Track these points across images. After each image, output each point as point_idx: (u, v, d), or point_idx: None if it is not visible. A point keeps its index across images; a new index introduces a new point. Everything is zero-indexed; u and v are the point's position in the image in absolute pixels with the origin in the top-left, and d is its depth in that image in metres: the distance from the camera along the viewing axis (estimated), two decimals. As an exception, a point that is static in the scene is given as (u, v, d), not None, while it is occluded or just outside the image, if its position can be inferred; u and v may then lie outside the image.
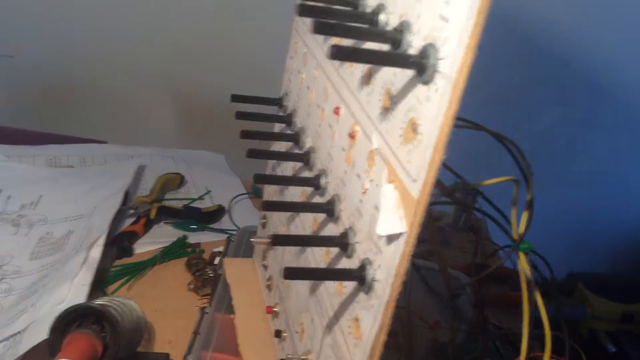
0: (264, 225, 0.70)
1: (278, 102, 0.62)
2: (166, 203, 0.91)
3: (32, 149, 0.99)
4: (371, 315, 0.39)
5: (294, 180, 0.48)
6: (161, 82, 1.34)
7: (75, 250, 0.73)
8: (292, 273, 0.37)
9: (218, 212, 0.91)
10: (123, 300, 0.63)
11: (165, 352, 0.66)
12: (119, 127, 1.35)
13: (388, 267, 0.37)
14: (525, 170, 0.42)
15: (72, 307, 0.50)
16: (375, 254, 0.38)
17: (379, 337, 0.38)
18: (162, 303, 0.74)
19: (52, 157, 0.98)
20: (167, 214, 0.88)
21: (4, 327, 0.62)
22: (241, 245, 0.77)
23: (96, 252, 0.71)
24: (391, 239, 0.36)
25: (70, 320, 0.50)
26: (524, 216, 0.41)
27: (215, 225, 0.90)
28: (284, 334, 0.57)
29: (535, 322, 0.47)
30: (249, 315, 0.65)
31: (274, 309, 0.61)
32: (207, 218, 0.89)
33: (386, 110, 0.38)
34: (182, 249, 0.83)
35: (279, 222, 0.63)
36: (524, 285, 0.40)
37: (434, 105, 0.32)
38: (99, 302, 0.57)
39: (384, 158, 0.38)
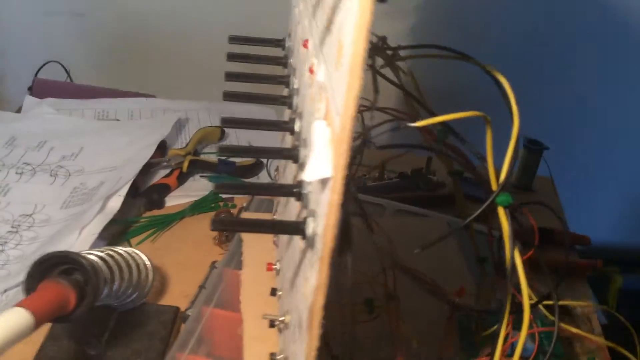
0: (277, 178, 0.66)
1: (280, 43, 0.56)
2: (203, 157, 0.89)
3: (82, 103, 1.01)
4: (314, 274, 0.34)
5: (265, 124, 0.43)
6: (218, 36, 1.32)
7: (100, 200, 0.73)
8: (218, 224, 0.33)
9: (255, 167, 0.88)
10: (130, 252, 0.62)
11: (175, 306, 0.64)
12: (171, 84, 1.35)
13: (322, 218, 0.31)
14: (511, 104, 0.34)
15: (47, 254, 0.49)
16: (317, 204, 0.33)
17: (316, 301, 0.33)
18: (185, 256, 0.72)
19: (101, 110, 0.99)
20: (202, 167, 0.86)
21: (18, 273, 0.62)
22: (264, 200, 0.74)
23: (115, 202, 0.70)
24: (323, 185, 0.31)
25: (47, 268, 0.49)
26: (507, 161, 0.34)
27: (253, 180, 0.87)
28: (279, 293, 0.54)
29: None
30: (256, 271, 0.61)
31: (274, 266, 0.57)
32: (243, 172, 0.86)
33: (327, 31, 0.32)
34: (214, 202, 0.81)
35: (290, 177, 0.59)
36: (508, 245, 0.34)
37: (352, 15, 0.26)
38: (93, 252, 0.55)
39: (324, 89, 0.32)
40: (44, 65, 1.36)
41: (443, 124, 0.43)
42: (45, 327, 0.60)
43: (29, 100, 1.00)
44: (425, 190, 0.90)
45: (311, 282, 0.34)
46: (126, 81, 1.28)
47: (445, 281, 0.60)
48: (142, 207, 0.78)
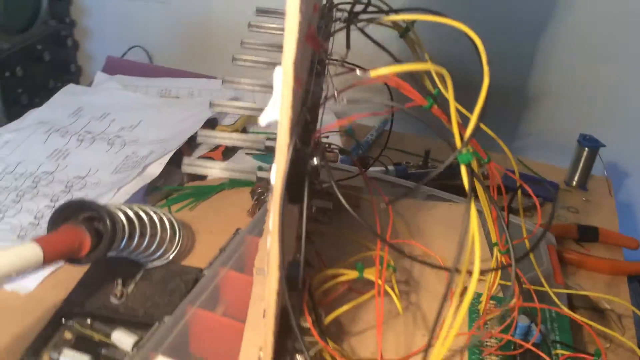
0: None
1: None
2: (251, 135, 0.92)
3: (148, 81, 1.07)
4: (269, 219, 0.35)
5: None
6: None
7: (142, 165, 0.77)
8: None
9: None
10: (160, 214, 0.65)
11: (199, 267, 0.67)
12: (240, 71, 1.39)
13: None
14: (483, 62, 0.34)
15: (70, 200, 0.53)
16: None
17: (272, 244, 0.34)
18: (218, 226, 0.75)
19: (163, 88, 1.05)
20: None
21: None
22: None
23: (154, 169, 0.75)
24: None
25: (71, 213, 0.53)
26: (473, 119, 0.33)
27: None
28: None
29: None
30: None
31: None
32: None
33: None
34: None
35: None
36: (472, 211, 0.33)
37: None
38: (119, 206, 0.59)
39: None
40: (129, 49, 1.45)
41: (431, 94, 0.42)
42: (75, 273, 0.65)
43: (100, 76, 1.07)
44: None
45: (268, 227, 0.36)
46: (200, 66, 1.34)
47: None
48: (185, 177, 0.82)
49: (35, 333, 0.57)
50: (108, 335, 0.58)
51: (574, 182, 0.91)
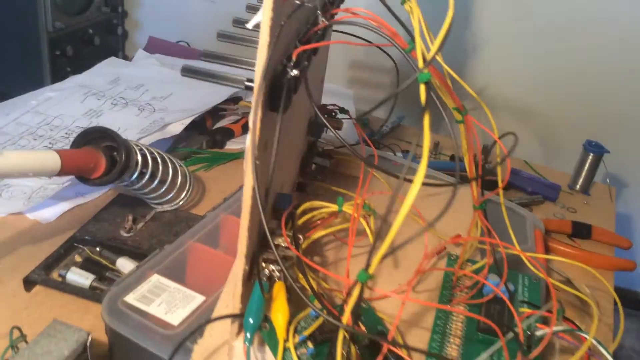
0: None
1: None
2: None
3: (184, 61, 1.14)
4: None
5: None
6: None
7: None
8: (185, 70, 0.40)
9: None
10: (176, 162, 0.71)
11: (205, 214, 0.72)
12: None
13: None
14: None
15: (92, 127, 0.59)
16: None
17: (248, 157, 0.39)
18: (230, 187, 0.80)
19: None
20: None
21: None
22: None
23: (174, 127, 0.81)
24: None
25: (92, 139, 0.59)
26: (438, 39, 0.38)
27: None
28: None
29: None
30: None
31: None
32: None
33: None
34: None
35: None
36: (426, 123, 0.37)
37: None
38: (138, 144, 0.65)
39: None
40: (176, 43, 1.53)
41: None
42: (91, 210, 0.71)
43: (140, 53, 1.15)
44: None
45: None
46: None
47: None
48: (205, 143, 0.88)
49: (51, 255, 0.63)
50: (114, 262, 0.63)
51: (578, 186, 0.93)
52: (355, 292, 0.38)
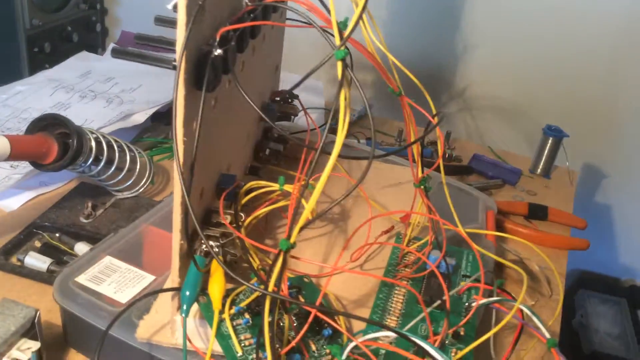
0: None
1: None
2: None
3: (155, 54, 1.15)
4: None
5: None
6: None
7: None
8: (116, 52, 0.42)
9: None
10: (135, 150, 0.73)
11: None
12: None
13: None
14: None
15: (46, 113, 0.61)
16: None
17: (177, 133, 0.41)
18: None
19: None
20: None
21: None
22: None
23: (139, 117, 0.82)
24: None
25: (46, 126, 0.60)
26: (353, 19, 0.39)
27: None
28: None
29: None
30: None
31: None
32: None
33: None
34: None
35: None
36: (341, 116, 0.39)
37: None
38: (93, 131, 0.67)
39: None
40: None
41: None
42: (54, 198, 0.72)
43: (113, 47, 1.16)
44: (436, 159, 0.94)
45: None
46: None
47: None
48: (170, 133, 0.90)
49: (12, 240, 0.65)
50: (72, 247, 0.65)
51: (538, 170, 0.95)
52: (279, 261, 0.39)
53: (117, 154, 0.69)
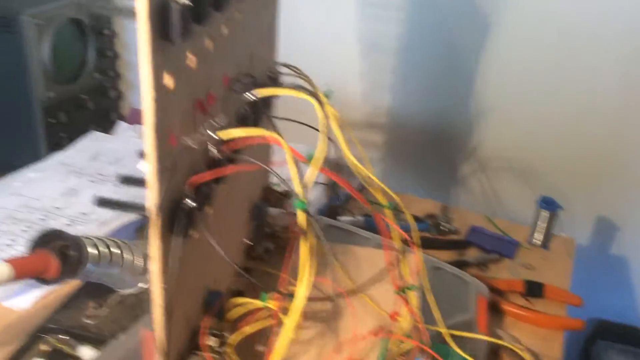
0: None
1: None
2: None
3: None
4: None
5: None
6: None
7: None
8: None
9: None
10: (132, 245, 0.76)
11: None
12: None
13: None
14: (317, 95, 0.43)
15: (45, 230, 0.64)
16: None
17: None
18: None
19: (175, 138, 1.18)
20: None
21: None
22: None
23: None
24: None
25: (48, 240, 0.64)
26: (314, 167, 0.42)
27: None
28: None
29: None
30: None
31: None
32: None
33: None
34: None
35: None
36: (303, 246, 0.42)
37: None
38: (92, 237, 0.70)
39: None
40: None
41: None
42: (65, 295, 0.76)
43: (121, 125, 1.21)
44: (434, 234, 0.96)
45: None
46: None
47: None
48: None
49: (19, 345, 0.68)
50: (76, 351, 0.68)
51: (536, 241, 0.96)
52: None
53: (116, 255, 0.72)
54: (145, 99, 0.38)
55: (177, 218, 0.44)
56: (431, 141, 1.40)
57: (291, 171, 0.44)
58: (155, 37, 0.37)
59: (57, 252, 0.63)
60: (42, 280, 0.62)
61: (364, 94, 1.44)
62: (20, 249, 0.83)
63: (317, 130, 0.51)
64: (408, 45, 1.34)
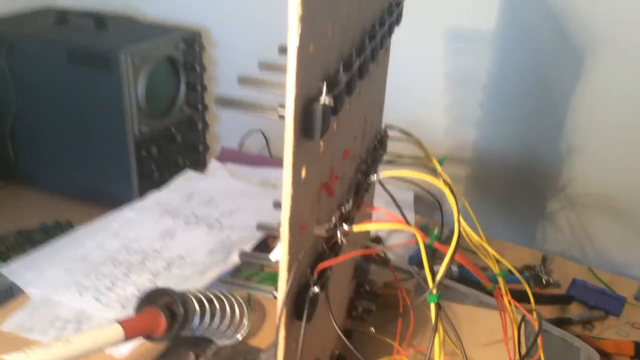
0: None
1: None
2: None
3: (252, 169, 1.22)
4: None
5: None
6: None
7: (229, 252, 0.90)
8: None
9: (376, 241, 0.98)
10: (231, 297, 0.76)
11: (261, 348, 0.77)
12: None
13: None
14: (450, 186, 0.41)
15: (154, 288, 0.65)
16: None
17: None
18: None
19: (265, 177, 1.19)
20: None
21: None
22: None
23: (236, 256, 0.87)
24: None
25: (155, 297, 0.65)
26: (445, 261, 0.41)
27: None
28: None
29: None
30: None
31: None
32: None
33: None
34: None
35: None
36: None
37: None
38: (197, 292, 0.71)
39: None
40: (248, 132, 1.62)
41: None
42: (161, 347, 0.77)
43: (214, 164, 1.24)
44: (534, 287, 0.92)
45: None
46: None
47: None
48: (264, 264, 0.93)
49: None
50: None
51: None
52: None
53: (217, 309, 0.72)
54: (285, 196, 0.38)
55: (302, 304, 0.43)
56: (517, 179, 1.35)
57: (425, 263, 0.43)
58: (298, 137, 0.37)
59: (164, 309, 0.64)
60: (150, 338, 0.64)
61: (447, 127, 1.41)
62: (119, 292, 0.86)
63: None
64: (497, 79, 1.30)
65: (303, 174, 0.40)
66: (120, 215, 1.04)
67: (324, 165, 0.46)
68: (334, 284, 0.60)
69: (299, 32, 0.33)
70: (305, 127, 0.38)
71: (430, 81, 1.39)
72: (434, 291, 0.41)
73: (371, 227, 0.45)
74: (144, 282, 0.88)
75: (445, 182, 0.49)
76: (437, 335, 0.40)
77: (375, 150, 0.63)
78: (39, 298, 0.85)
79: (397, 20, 0.62)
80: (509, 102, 1.31)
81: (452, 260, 0.42)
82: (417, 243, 0.89)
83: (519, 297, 0.88)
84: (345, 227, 0.44)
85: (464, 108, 1.38)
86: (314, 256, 0.46)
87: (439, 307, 0.41)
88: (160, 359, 0.75)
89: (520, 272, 0.93)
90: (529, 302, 0.87)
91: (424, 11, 1.33)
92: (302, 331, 0.43)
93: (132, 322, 0.60)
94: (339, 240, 0.46)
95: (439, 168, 0.56)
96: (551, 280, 0.93)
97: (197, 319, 0.68)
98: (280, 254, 0.40)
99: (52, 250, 0.97)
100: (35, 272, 0.90)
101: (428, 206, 1.44)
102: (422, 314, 0.76)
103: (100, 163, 1.52)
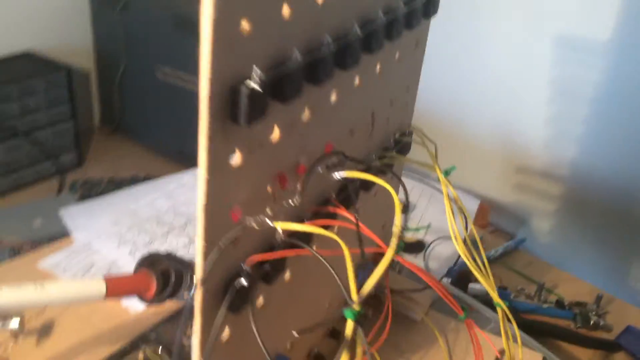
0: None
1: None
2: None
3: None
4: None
5: None
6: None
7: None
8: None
9: (415, 246, 0.93)
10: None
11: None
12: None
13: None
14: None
15: (146, 254, 0.66)
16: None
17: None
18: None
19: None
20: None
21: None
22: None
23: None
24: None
25: (155, 261, 0.66)
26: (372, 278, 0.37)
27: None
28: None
29: None
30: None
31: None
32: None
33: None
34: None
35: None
36: None
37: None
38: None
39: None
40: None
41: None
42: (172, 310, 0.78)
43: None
44: (579, 327, 0.83)
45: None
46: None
47: None
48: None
49: (119, 347, 0.72)
50: (170, 366, 0.70)
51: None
52: None
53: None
54: (200, 180, 0.36)
55: (227, 294, 0.41)
56: (615, 208, 1.22)
57: (349, 272, 0.40)
58: (224, 120, 0.35)
59: (159, 274, 0.64)
60: (142, 298, 0.64)
61: (546, 141, 1.31)
62: (154, 248, 0.88)
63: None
64: (606, 95, 1.18)
65: (236, 160, 0.38)
66: (178, 179, 1.07)
67: (282, 155, 0.44)
68: (313, 281, 0.58)
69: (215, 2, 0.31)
70: (231, 111, 0.36)
71: (530, 89, 1.29)
72: (356, 307, 0.37)
73: (295, 227, 0.41)
74: (180, 245, 0.90)
75: (403, 185, 0.44)
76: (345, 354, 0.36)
77: (386, 149, 0.59)
78: (81, 243, 0.90)
79: (427, 11, 0.56)
80: (617, 122, 1.18)
81: (385, 275, 0.38)
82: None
83: (558, 334, 0.80)
84: (269, 221, 0.41)
85: (566, 122, 1.27)
86: (259, 250, 0.44)
87: (357, 324, 0.37)
88: (167, 322, 0.76)
89: (569, 307, 0.84)
90: (565, 340, 0.80)
91: (532, 12, 1.23)
92: (220, 321, 0.41)
93: (118, 281, 0.61)
94: (278, 236, 0.43)
95: (441, 177, 0.51)
96: (601, 323, 0.83)
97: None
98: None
99: (110, 200, 1.02)
100: (87, 218, 0.95)
101: (512, 220, 1.36)
102: (429, 329, 0.71)
103: (196, 129, 1.58)
